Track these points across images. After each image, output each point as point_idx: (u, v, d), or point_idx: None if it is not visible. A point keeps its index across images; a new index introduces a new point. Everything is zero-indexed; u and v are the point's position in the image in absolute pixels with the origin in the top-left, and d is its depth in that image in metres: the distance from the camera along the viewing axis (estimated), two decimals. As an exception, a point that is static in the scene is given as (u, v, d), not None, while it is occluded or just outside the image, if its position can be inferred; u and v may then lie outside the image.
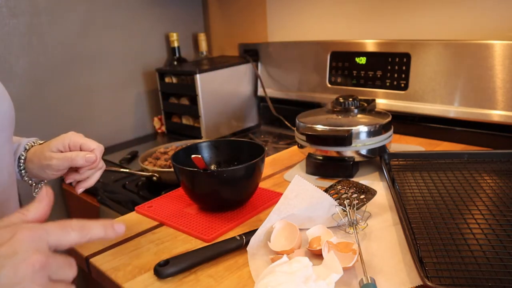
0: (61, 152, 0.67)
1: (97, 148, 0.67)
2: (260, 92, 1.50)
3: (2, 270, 0.34)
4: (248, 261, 0.61)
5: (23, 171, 0.69)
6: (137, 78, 1.58)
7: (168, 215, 0.76)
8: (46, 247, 0.37)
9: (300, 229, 0.64)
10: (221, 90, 1.44)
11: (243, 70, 1.49)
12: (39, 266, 0.35)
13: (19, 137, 0.72)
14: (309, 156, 0.90)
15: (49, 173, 0.67)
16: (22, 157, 0.69)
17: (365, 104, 0.95)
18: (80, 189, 0.70)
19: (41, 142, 0.71)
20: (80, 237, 0.39)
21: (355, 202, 0.68)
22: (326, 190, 0.74)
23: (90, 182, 0.70)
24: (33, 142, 0.71)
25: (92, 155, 0.65)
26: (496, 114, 0.98)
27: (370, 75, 1.19)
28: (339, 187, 0.76)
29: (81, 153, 0.65)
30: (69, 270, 0.38)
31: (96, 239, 0.41)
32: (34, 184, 0.72)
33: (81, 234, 0.39)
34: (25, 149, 0.70)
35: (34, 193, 0.72)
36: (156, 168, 1.04)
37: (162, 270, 0.58)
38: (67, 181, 0.70)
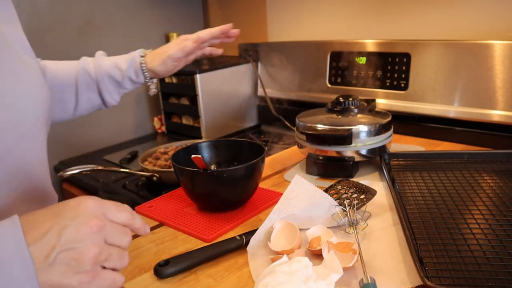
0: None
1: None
2: (260, 92, 1.50)
3: (67, 228, 0.41)
4: (248, 261, 0.61)
5: (146, 73, 0.86)
6: (137, 78, 1.58)
7: (168, 215, 0.76)
8: (102, 216, 0.43)
9: (300, 229, 0.64)
10: (221, 90, 1.44)
11: (243, 70, 1.49)
12: (97, 228, 0.42)
13: (127, 55, 0.87)
14: (309, 156, 0.90)
15: (169, 63, 0.85)
16: (143, 63, 0.85)
17: (365, 104, 0.95)
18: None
19: (148, 51, 0.88)
20: (128, 218, 0.46)
21: (355, 202, 0.68)
22: (326, 190, 0.74)
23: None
24: (144, 52, 0.87)
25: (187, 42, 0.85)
26: (496, 114, 0.98)
27: (370, 75, 1.19)
28: (339, 187, 0.76)
29: (189, 39, 0.85)
30: (123, 236, 0.45)
31: (134, 228, 0.47)
32: (150, 84, 0.89)
33: (129, 217, 0.46)
34: (141, 56, 0.86)
35: (149, 92, 0.92)
36: (156, 168, 1.04)
37: (162, 270, 0.58)
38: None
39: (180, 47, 0.84)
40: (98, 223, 0.42)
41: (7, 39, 0.60)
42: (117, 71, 0.85)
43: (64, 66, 0.86)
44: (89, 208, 0.42)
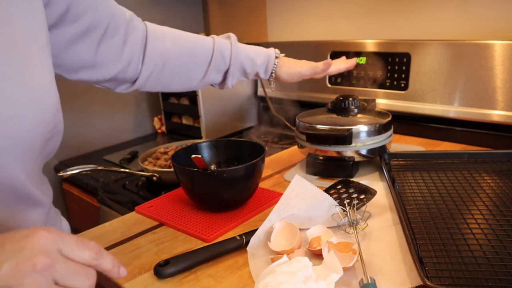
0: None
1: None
2: (260, 92, 1.50)
3: (5, 263, 0.34)
4: (248, 261, 0.61)
5: (273, 74, 0.87)
6: (137, 78, 1.58)
7: (168, 215, 0.76)
8: (56, 252, 0.37)
9: (300, 229, 0.64)
10: (221, 90, 1.43)
11: (243, 70, 1.49)
12: (41, 267, 0.35)
13: (262, 51, 0.87)
14: (309, 156, 0.90)
15: (296, 77, 0.87)
16: (276, 64, 0.86)
17: (365, 104, 0.95)
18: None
19: (282, 54, 0.88)
20: (91, 258, 0.39)
21: (355, 202, 0.68)
22: (326, 190, 0.74)
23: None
24: (278, 53, 0.88)
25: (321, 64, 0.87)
26: (496, 114, 0.98)
27: (370, 75, 1.19)
28: (339, 187, 0.76)
29: (322, 64, 0.87)
30: (82, 278, 0.37)
31: (101, 269, 0.40)
32: (271, 82, 0.90)
33: (93, 256, 0.39)
34: (276, 56, 0.86)
35: (270, 87, 0.91)
36: (156, 168, 1.04)
37: (162, 270, 0.58)
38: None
39: (312, 66, 0.87)
40: (44, 261, 0.35)
41: (16, 36, 0.51)
42: (250, 64, 0.86)
43: (200, 45, 0.83)
44: (39, 241, 0.36)
